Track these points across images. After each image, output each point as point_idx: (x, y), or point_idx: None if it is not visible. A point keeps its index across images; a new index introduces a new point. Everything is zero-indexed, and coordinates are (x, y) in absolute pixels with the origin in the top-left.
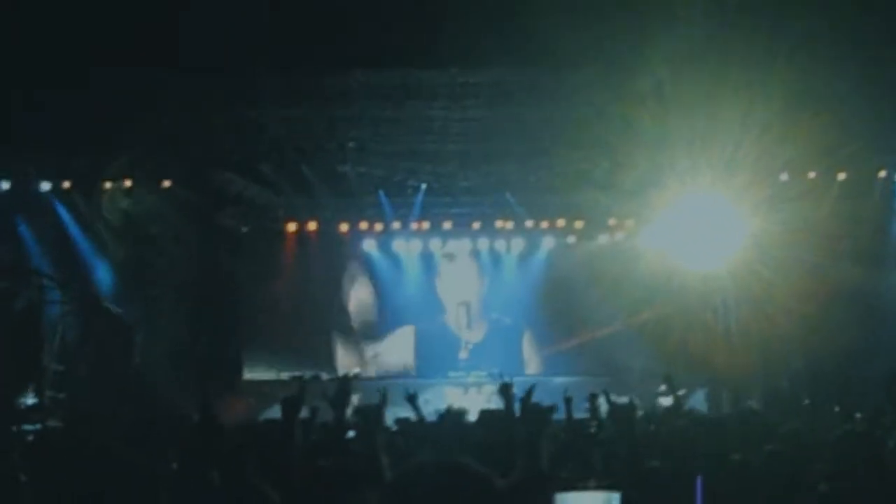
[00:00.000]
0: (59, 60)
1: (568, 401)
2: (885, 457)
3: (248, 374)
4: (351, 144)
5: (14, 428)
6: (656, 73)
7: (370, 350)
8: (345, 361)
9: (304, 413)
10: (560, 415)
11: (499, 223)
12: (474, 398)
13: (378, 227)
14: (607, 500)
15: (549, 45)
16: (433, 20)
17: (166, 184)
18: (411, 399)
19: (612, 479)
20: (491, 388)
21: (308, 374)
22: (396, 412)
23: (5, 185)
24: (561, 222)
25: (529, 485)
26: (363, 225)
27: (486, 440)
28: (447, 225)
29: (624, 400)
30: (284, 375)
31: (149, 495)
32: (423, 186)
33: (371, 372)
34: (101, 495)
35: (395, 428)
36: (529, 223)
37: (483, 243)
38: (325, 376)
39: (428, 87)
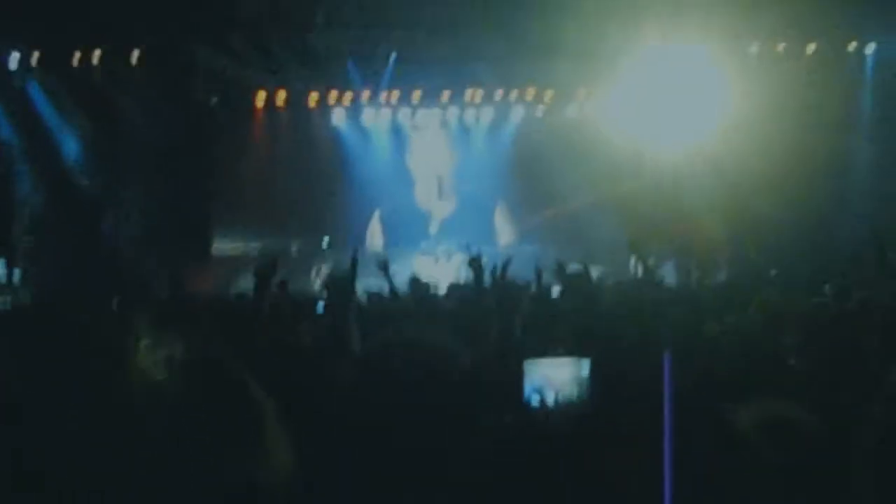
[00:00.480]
0: None
1: (538, 273)
2: (856, 328)
3: (218, 248)
4: (319, 14)
5: None
6: None
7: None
8: (314, 234)
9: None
10: (531, 288)
11: (468, 93)
12: (444, 269)
13: (347, 97)
14: (577, 366)
15: None
16: None
17: (136, 55)
18: (383, 267)
19: (580, 348)
20: (461, 259)
21: (278, 246)
22: (368, 283)
23: None
24: (531, 92)
25: (499, 356)
26: (332, 95)
27: (457, 313)
28: (416, 95)
29: (595, 271)
30: (254, 248)
31: (117, 371)
32: (393, 56)
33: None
34: (67, 372)
35: (365, 302)
36: (499, 93)
37: (452, 113)
38: (294, 249)
39: None
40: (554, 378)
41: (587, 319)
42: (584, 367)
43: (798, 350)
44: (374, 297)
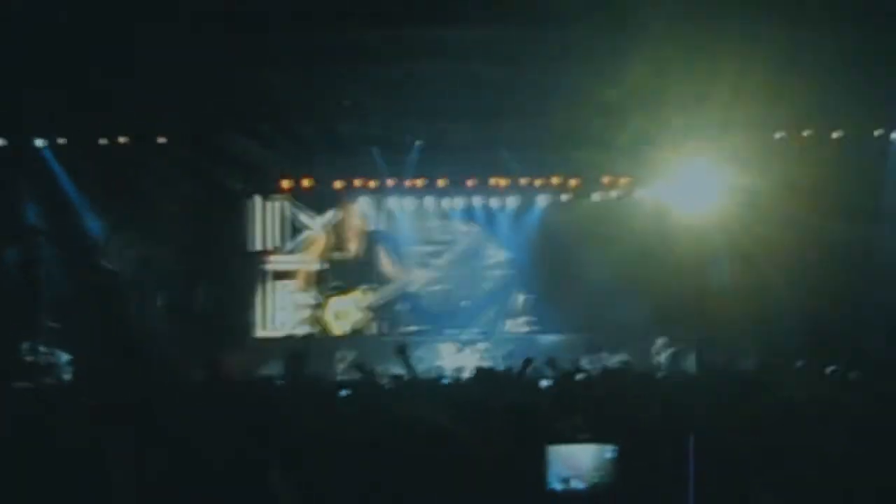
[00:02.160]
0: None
1: (552, 362)
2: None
3: (249, 332)
4: (346, 102)
5: (8, 386)
6: (651, 29)
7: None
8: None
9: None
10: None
11: (493, 180)
12: (468, 356)
13: (372, 184)
14: (600, 452)
15: (544, 2)
16: None
17: (162, 141)
18: (401, 352)
19: (604, 434)
20: (485, 346)
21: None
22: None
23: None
24: (556, 179)
25: (521, 442)
26: (357, 182)
27: (477, 398)
28: (441, 182)
29: (619, 357)
30: (281, 333)
31: (143, 455)
32: (418, 144)
33: (370, 329)
34: (95, 454)
35: (388, 385)
36: (524, 180)
37: (477, 200)
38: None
39: (424, 44)
40: (578, 463)
41: (611, 406)
42: (609, 452)
43: (826, 439)
44: (395, 379)
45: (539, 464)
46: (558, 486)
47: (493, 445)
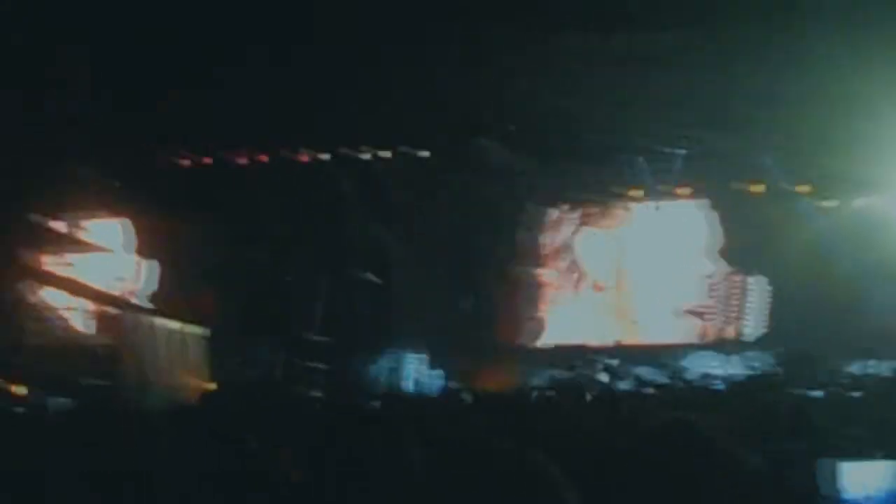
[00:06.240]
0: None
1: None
2: None
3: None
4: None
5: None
6: None
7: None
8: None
9: None
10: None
11: (753, 188)
12: (734, 363)
13: (635, 192)
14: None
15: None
16: None
17: (424, 154)
18: (667, 367)
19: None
20: (749, 354)
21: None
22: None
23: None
24: (817, 185)
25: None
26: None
27: (742, 407)
28: (703, 189)
29: (890, 365)
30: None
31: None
32: (682, 152)
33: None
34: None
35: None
36: (786, 186)
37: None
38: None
39: (683, 50)
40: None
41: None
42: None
43: None
44: (659, 386)
45: (826, 479)
46: None
47: (772, 457)
